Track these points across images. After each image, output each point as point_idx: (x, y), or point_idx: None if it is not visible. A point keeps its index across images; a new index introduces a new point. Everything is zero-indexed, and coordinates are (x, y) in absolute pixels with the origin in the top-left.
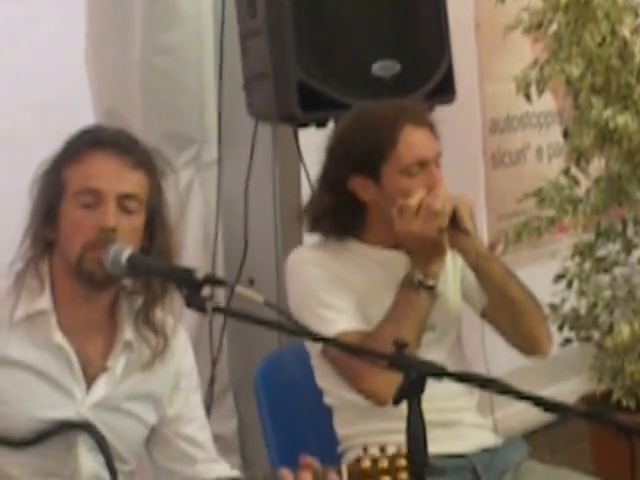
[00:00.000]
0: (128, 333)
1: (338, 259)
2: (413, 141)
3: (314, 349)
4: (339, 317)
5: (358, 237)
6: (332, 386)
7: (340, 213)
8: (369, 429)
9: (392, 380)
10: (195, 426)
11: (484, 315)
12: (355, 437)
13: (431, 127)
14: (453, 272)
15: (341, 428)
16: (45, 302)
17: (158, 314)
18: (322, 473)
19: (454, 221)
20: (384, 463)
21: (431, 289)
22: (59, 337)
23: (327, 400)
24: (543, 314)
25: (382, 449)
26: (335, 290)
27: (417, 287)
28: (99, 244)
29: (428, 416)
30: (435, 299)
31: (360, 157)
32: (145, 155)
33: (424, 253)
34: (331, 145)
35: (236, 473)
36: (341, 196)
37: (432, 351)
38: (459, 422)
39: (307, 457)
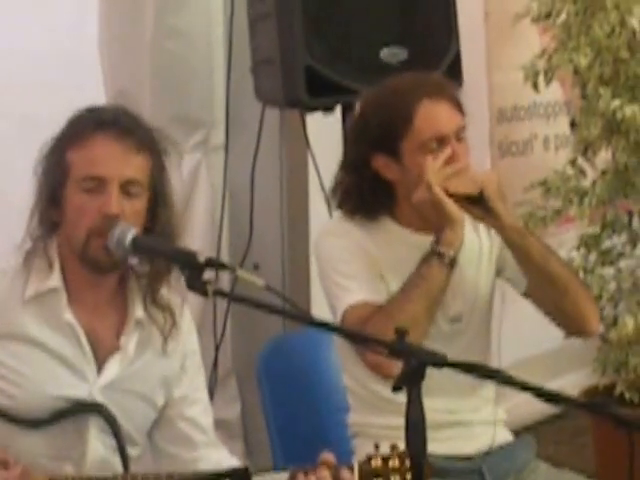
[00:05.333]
0: (139, 311)
1: (366, 232)
2: (430, 116)
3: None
4: (356, 286)
5: (392, 216)
6: (354, 370)
7: (365, 193)
8: (383, 422)
9: None
10: (198, 409)
11: (527, 296)
12: (368, 427)
13: (451, 99)
14: (488, 255)
15: (356, 414)
16: (55, 281)
17: (164, 293)
18: (335, 471)
19: (482, 201)
20: (395, 462)
21: (443, 257)
22: (69, 315)
23: (347, 382)
24: (588, 292)
25: (393, 447)
26: (355, 259)
27: (430, 256)
28: (103, 231)
29: (439, 417)
30: (450, 269)
31: (377, 135)
32: (146, 135)
33: (433, 219)
34: (351, 124)
35: (234, 460)
36: (365, 176)
37: (453, 343)
38: (471, 422)
39: (326, 454)
